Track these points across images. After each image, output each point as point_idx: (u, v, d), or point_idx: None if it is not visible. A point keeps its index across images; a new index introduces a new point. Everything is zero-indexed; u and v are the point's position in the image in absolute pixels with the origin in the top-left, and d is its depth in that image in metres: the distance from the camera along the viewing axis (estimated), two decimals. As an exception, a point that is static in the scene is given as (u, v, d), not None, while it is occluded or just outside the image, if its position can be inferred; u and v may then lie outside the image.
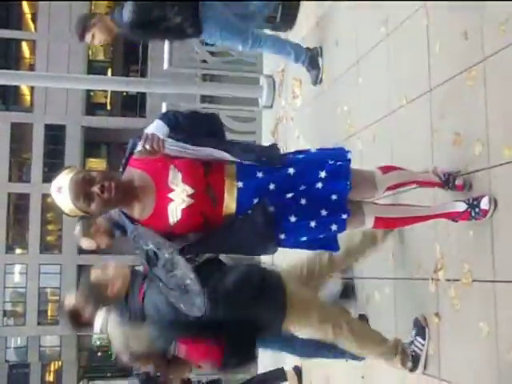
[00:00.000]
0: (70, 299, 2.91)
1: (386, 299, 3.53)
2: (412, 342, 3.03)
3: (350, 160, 2.52)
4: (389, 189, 2.76)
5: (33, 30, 25.77)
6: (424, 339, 3.00)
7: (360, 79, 4.07)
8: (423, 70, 3.16)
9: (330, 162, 2.48)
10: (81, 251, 24.63)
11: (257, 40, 4.54)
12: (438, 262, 2.94)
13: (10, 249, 25.58)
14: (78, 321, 2.89)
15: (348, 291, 3.99)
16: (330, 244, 2.64)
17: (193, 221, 2.35)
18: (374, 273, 3.74)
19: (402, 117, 3.42)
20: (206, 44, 6.38)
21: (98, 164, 26.23)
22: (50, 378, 27.73)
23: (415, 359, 3.01)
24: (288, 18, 5.68)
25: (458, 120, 2.86)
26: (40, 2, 24.57)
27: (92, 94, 25.31)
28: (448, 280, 2.85)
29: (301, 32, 5.55)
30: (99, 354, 28.39)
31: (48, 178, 23.92)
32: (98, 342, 28.41)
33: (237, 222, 2.38)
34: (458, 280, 2.75)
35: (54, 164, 22.67)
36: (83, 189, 2.22)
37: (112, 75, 24.54)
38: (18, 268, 26.00)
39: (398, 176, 2.77)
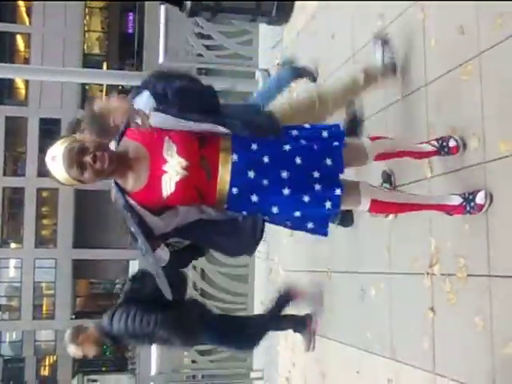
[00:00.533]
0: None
1: (382, 294, 3.53)
2: (382, 53, 3.38)
3: (343, 139, 2.55)
4: (381, 157, 2.76)
5: (27, 23, 25.64)
6: (388, 44, 3.37)
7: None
8: (419, 65, 3.16)
9: (324, 135, 2.51)
10: (76, 245, 24.63)
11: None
12: (433, 257, 2.94)
13: (4, 243, 25.50)
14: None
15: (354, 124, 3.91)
16: (321, 227, 2.60)
17: (186, 194, 2.35)
18: (369, 267, 3.74)
19: (397, 111, 3.42)
20: (202, 37, 6.39)
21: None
22: (45, 372, 27.72)
23: (392, 65, 3.35)
24: (283, 12, 5.68)
25: (453, 114, 2.86)
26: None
27: (87, 87, 25.22)
28: (443, 274, 2.86)
29: (296, 26, 5.55)
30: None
31: (43, 172, 23.92)
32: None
33: (226, 225, 2.40)
34: (454, 275, 2.75)
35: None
36: (76, 158, 2.26)
37: (107, 69, 24.41)
38: (12, 262, 25.94)
39: (387, 142, 2.80)
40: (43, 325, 25.85)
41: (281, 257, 5.59)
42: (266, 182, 2.39)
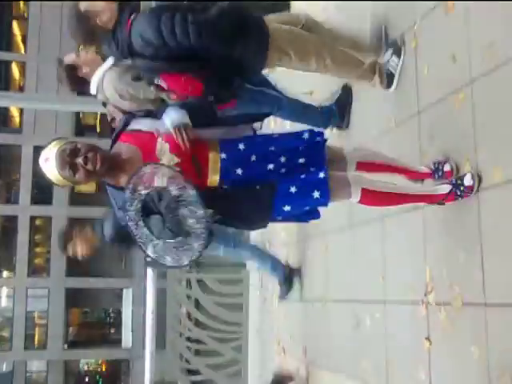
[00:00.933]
0: (69, 56, 3.24)
1: (377, 323, 3.50)
2: (388, 61, 3.25)
3: (325, 138, 2.64)
4: (363, 168, 2.78)
5: (23, 51, 25.81)
6: (399, 58, 3.25)
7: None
8: (412, 92, 3.17)
9: (306, 135, 2.60)
10: (69, 274, 24.42)
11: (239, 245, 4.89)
12: (428, 285, 2.91)
13: (-4, 272, 25.32)
14: (76, 76, 3.20)
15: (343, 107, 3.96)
16: (311, 215, 2.66)
17: None
18: (364, 296, 3.71)
19: (391, 139, 3.43)
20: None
21: (88, 185, 26.13)
22: (37, 403, 27.27)
23: (390, 76, 3.29)
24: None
25: (446, 142, 2.86)
26: (30, 23, 24.64)
27: (81, 115, 25.30)
28: (438, 303, 2.83)
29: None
30: (87, 379, 28.01)
31: (37, 199, 23.83)
32: (86, 367, 28.07)
33: (242, 192, 2.46)
34: (449, 303, 2.72)
35: (42, 186, 22.54)
36: (68, 160, 2.32)
37: (102, 97, 24.49)
38: (4, 291, 25.70)
39: (370, 154, 2.84)
40: (35, 355, 25.51)
41: (275, 285, 5.54)
42: (254, 177, 2.47)
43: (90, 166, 2.31)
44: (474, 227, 2.59)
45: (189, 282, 7.00)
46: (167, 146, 2.41)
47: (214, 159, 2.46)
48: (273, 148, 2.54)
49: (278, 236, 5.60)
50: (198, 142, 2.48)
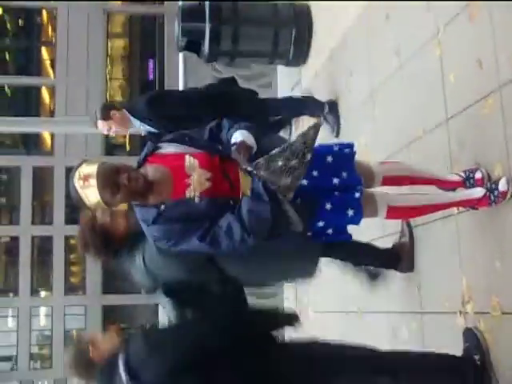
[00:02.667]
0: None
1: (414, 334, 3.45)
2: None
3: (354, 150, 2.58)
4: (390, 182, 2.73)
5: (52, 75, 26.31)
6: None
7: (376, 111, 4.05)
8: (439, 100, 3.14)
9: (335, 148, 2.55)
10: (105, 291, 24.66)
11: None
12: (465, 295, 2.86)
13: (35, 292, 25.68)
14: None
15: None
16: (342, 236, 2.60)
17: None
18: (400, 307, 3.66)
19: (420, 148, 3.39)
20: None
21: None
22: (78, 420, 27.52)
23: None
24: (300, 54, 5.73)
25: (477, 149, 2.82)
26: (58, 48, 25.13)
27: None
28: (477, 313, 2.78)
29: (314, 66, 5.58)
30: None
31: (70, 219, 24.14)
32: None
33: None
34: (488, 313, 2.67)
35: (74, 206, 22.82)
36: (112, 178, 2.24)
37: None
38: (43, 310, 26.07)
39: (396, 167, 2.79)
40: (75, 373, 25.77)
41: (310, 298, 5.51)
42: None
43: (133, 184, 2.26)
44: (509, 234, 2.55)
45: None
46: (196, 161, 2.35)
47: (246, 175, 2.38)
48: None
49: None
50: (230, 159, 2.40)
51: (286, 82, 6.77)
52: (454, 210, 2.86)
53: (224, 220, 2.27)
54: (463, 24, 2.92)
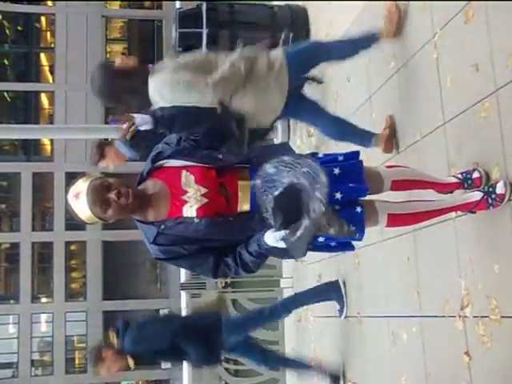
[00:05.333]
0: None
1: (414, 338, 3.43)
2: None
3: (361, 160, 2.52)
4: (398, 186, 2.70)
5: (51, 81, 26.33)
6: None
7: (373, 115, 4.05)
8: (436, 104, 3.13)
9: (340, 158, 2.49)
10: (105, 297, 24.64)
11: None
12: (464, 299, 2.85)
13: (35, 298, 25.65)
14: None
15: None
16: (345, 245, 2.56)
17: None
18: (399, 311, 3.65)
19: (417, 152, 3.38)
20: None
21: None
22: (80, 427, 27.43)
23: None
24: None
25: (474, 152, 2.81)
26: (57, 54, 25.16)
27: (110, 140, 25.62)
28: (476, 317, 2.76)
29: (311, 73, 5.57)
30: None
31: (70, 225, 24.15)
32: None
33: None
34: (487, 317, 2.66)
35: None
36: (101, 195, 2.27)
37: (129, 121, 24.80)
38: (44, 317, 26.02)
39: (402, 171, 2.76)
40: (76, 379, 25.71)
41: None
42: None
43: (123, 201, 2.26)
44: (507, 237, 2.54)
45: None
46: (192, 177, 2.35)
47: (244, 187, 2.36)
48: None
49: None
50: (227, 170, 2.39)
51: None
52: (452, 214, 2.85)
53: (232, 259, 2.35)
54: (459, 27, 2.91)
